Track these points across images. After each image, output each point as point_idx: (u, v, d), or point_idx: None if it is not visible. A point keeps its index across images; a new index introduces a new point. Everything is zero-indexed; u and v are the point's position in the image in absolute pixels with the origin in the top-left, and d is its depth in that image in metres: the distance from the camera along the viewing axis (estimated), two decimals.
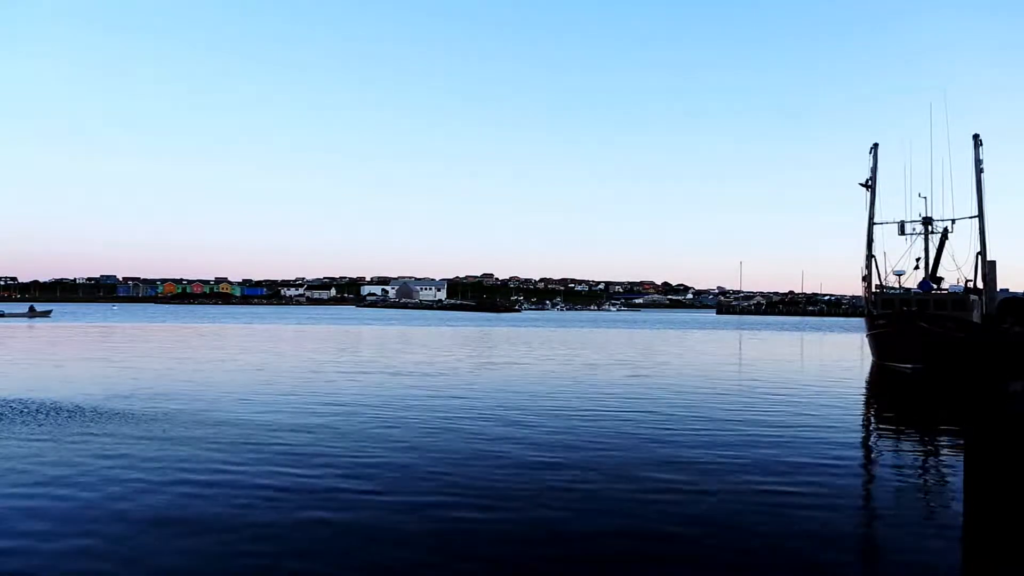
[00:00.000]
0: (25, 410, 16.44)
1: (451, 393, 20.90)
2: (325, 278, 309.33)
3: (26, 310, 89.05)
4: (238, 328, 67.43)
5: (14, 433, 13.85)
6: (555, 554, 7.75)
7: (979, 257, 36.79)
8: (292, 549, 7.78)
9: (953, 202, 54.00)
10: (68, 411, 16.36)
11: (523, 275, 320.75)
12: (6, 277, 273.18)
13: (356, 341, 49.40)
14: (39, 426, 14.60)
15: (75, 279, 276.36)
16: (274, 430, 14.50)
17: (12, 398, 18.14)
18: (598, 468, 11.57)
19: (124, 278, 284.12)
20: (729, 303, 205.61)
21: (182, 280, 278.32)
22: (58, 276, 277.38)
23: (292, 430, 14.53)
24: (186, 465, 11.41)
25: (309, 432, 14.33)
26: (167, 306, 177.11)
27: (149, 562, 7.40)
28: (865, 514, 9.75)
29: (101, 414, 16.06)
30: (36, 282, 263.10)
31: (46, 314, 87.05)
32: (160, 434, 13.93)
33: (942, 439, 15.36)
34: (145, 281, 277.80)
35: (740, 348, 46.49)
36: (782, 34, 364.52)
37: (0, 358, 31.65)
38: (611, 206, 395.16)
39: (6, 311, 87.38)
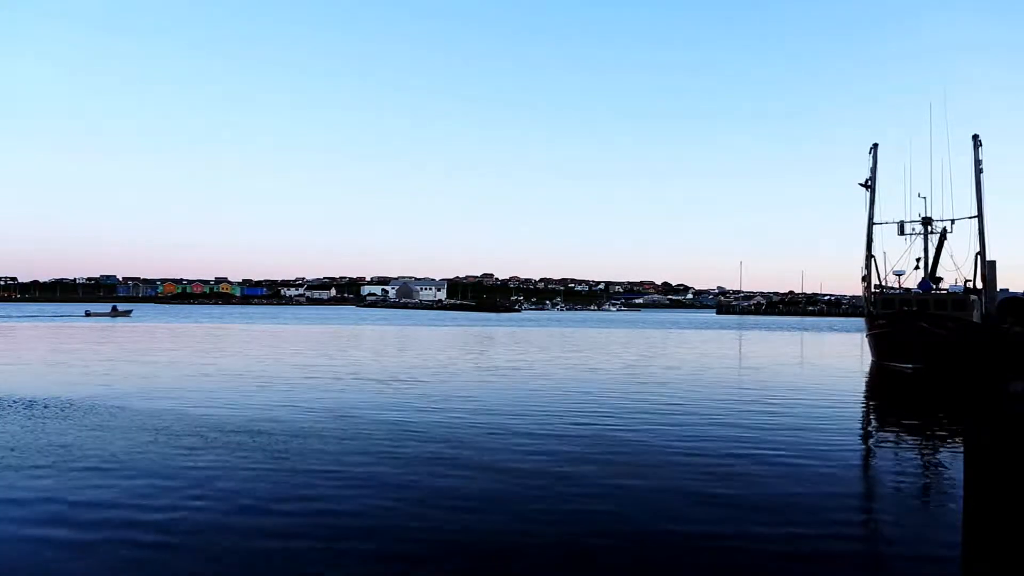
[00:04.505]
0: None
1: (435, 405, 19.31)
2: (325, 278, 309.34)
3: (108, 310, 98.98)
4: (283, 328, 67.42)
5: None
6: None
7: (978, 257, 36.78)
8: None
9: (952, 202, 53.81)
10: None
11: (523, 275, 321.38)
12: (6, 277, 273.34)
13: (345, 342, 49.37)
14: None
15: (75, 279, 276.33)
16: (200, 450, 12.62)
17: None
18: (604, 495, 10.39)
19: (124, 278, 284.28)
20: (729, 303, 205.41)
21: (182, 280, 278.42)
22: (58, 276, 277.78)
23: (226, 448, 12.63)
24: (65, 512, 9.01)
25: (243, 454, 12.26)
26: (167, 306, 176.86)
27: None
28: (865, 514, 9.75)
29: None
30: (36, 282, 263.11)
31: (127, 314, 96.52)
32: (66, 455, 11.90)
33: (942, 439, 15.36)
34: (145, 281, 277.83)
35: (740, 348, 46.48)
36: (782, 34, 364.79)
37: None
38: (611, 206, 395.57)
39: (93, 311, 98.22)
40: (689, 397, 20.58)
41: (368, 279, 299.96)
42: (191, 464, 11.46)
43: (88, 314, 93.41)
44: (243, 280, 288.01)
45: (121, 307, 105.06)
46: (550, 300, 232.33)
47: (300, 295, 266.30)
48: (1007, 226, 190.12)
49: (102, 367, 27.48)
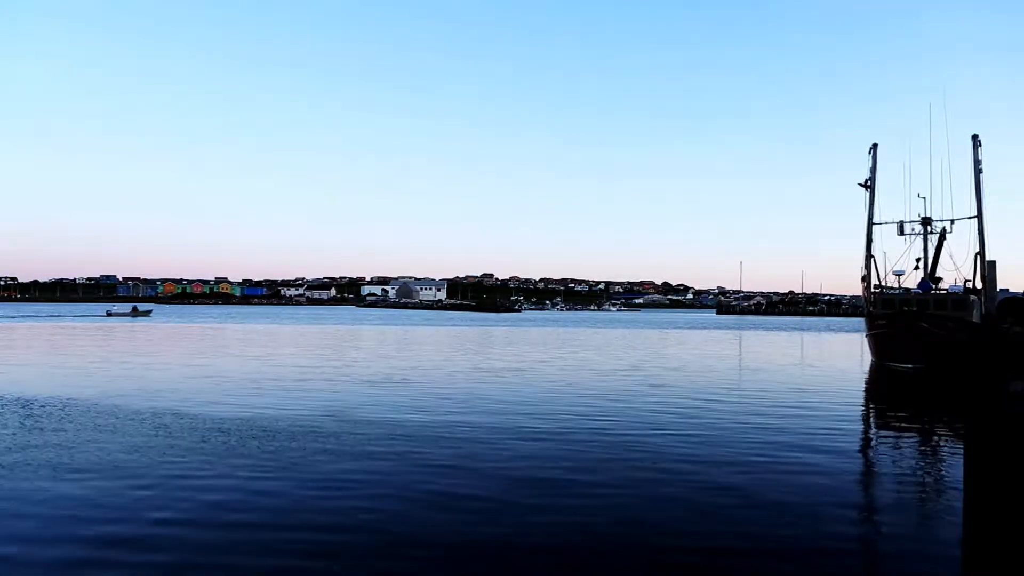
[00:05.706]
0: None
1: (433, 406, 19.14)
2: (325, 278, 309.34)
3: (129, 310, 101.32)
4: (313, 329, 67.34)
5: None
6: None
7: (978, 257, 36.77)
8: None
9: (952, 202, 53.68)
10: None
11: (523, 275, 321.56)
12: (6, 277, 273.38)
13: (344, 343, 49.34)
14: None
15: (75, 279, 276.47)
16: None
17: None
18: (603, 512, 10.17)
19: (124, 278, 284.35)
20: (729, 303, 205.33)
21: (182, 280, 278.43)
22: (58, 276, 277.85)
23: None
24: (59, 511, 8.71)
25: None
26: (167, 306, 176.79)
27: None
28: (865, 514, 9.73)
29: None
30: (36, 282, 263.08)
31: (147, 313, 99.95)
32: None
33: (942, 439, 15.35)
34: (145, 281, 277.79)
35: (740, 349, 46.46)
36: (782, 34, 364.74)
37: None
38: (611, 206, 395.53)
39: (114, 311, 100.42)
40: (689, 397, 20.55)
41: (368, 279, 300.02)
42: (188, 464, 11.44)
43: (109, 314, 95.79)
44: (243, 280, 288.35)
45: (141, 307, 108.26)
46: (550, 300, 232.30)
47: (300, 295, 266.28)
48: (1007, 226, 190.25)
49: (125, 367, 27.49)
